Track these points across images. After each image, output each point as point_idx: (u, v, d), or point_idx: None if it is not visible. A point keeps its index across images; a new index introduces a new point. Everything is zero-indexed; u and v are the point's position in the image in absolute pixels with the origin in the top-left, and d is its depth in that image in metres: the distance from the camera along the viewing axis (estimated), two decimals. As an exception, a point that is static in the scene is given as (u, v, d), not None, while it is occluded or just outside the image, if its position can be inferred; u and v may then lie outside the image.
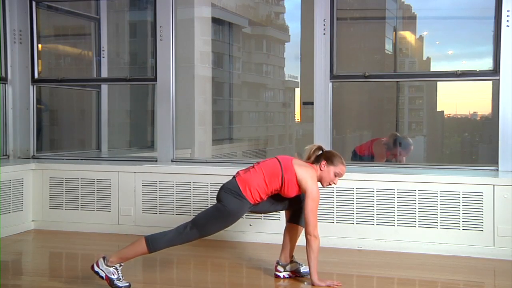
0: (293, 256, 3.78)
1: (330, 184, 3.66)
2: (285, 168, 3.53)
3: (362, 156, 6.17)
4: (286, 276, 3.76)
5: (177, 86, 5.57)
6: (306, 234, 3.53)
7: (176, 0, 5.46)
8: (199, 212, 3.65)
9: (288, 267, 3.77)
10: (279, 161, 3.58)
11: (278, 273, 3.76)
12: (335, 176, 3.63)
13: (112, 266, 3.48)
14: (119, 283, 3.47)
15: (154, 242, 3.50)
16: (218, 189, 3.59)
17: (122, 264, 3.52)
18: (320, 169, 3.61)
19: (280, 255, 3.77)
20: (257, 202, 3.54)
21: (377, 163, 5.86)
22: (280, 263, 3.77)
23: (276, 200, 3.67)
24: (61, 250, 4.79)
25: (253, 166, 3.61)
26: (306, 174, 3.54)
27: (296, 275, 3.75)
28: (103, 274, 3.48)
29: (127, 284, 3.51)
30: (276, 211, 3.84)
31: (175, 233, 3.51)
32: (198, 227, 3.48)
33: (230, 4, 9.45)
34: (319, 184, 3.62)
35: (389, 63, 8.03)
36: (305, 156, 3.67)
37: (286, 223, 3.80)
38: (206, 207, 3.86)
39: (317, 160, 3.64)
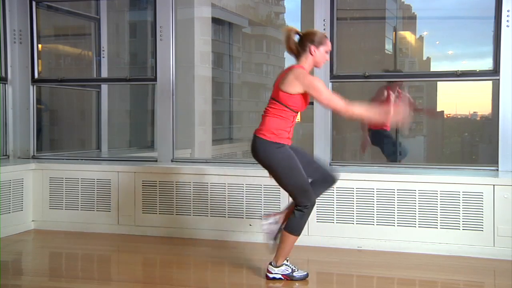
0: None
1: (325, 62, 3.64)
2: (277, 95, 3.55)
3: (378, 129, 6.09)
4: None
5: (177, 86, 5.57)
6: (343, 114, 3.49)
7: (176, 0, 5.47)
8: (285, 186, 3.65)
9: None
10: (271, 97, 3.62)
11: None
12: (327, 53, 3.61)
13: (282, 265, 3.68)
14: (296, 274, 3.69)
15: (296, 228, 3.60)
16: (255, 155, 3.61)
17: (287, 259, 3.71)
18: (311, 55, 3.56)
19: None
20: (288, 139, 3.59)
21: (377, 163, 5.86)
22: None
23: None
24: (61, 250, 4.79)
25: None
26: (292, 83, 3.49)
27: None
28: (280, 276, 3.69)
29: (305, 273, 3.71)
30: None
31: (300, 214, 3.58)
32: (300, 194, 3.55)
33: (230, 4, 9.45)
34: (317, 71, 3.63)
35: (389, 63, 8.03)
36: (286, 47, 3.63)
37: None
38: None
39: (302, 47, 3.58)
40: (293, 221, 3.60)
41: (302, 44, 3.58)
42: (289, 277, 3.67)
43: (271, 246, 3.71)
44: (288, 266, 3.69)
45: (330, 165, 4.84)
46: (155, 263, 4.30)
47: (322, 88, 3.48)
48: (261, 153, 3.56)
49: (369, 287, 3.77)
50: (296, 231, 3.61)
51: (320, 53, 3.57)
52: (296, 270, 3.70)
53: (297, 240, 3.73)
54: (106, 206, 5.20)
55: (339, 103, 3.47)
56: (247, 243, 4.76)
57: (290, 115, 3.57)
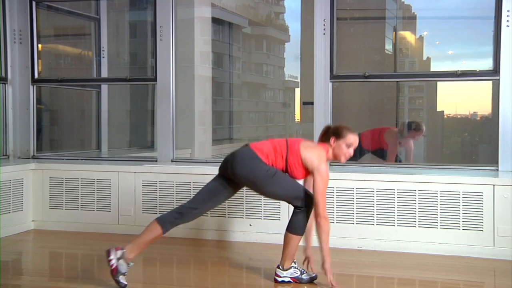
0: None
1: (347, 158, 3.62)
2: (290, 149, 3.56)
3: (365, 149, 6.13)
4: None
5: (177, 86, 5.57)
6: (316, 216, 3.49)
7: (176, 0, 5.47)
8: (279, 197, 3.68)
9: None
10: (286, 141, 3.62)
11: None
12: (348, 147, 3.60)
13: (290, 268, 3.65)
14: (305, 276, 3.67)
15: (299, 228, 3.60)
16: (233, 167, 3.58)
17: (295, 261, 3.67)
18: (332, 146, 3.60)
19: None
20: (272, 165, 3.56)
21: (377, 163, 5.86)
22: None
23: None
24: (61, 250, 4.80)
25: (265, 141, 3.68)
26: (311, 154, 3.54)
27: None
28: (288, 279, 3.65)
29: (314, 274, 3.69)
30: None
31: (303, 215, 3.57)
32: (293, 198, 3.56)
33: (230, 4, 9.45)
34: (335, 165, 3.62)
35: (389, 63, 8.03)
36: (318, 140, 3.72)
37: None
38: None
39: (327, 139, 3.63)
40: (294, 220, 3.59)
41: (327, 134, 3.66)
42: (298, 280, 3.65)
43: (122, 282, 3.51)
44: (297, 268, 3.67)
45: (330, 165, 4.84)
46: (155, 263, 4.30)
47: (324, 181, 3.50)
48: (245, 164, 3.55)
49: (369, 287, 3.77)
50: (299, 231, 3.59)
51: (339, 146, 3.59)
52: (304, 272, 3.68)
53: (287, 246, 3.66)
54: (106, 206, 5.19)
55: (323, 204, 3.47)
56: (247, 243, 4.76)
57: (282, 160, 3.58)
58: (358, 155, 6.01)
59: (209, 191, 3.69)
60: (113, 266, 3.48)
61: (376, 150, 6.15)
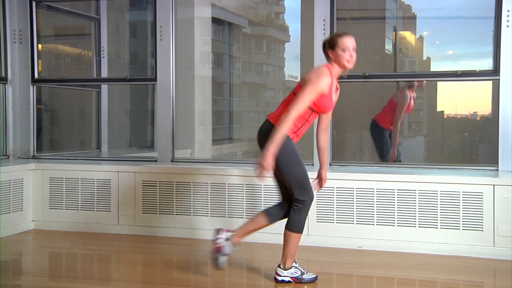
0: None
1: (351, 62, 3.51)
2: (296, 90, 3.53)
3: (386, 129, 6.18)
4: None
5: (177, 86, 5.57)
6: (284, 117, 3.40)
7: (176, 0, 5.47)
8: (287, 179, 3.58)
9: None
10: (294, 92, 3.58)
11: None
12: (344, 51, 3.51)
13: (291, 267, 3.64)
14: (306, 277, 3.66)
15: (297, 225, 3.60)
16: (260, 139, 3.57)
17: (296, 261, 3.68)
18: (333, 59, 3.55)
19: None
20: (295, 132, 3.54)
21: (377, 163, 5.86)
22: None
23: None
24: (61, 250, 4.80)
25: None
26: (308, 73, 3.52)
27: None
28: (288, 279, 3.65)
29: (314, 275, 3.69)
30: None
31: (300, 212, 3.57)
32: (297, 187, 3.53)
33: (230, 4, 9.46)
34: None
35: (389, 63, 8.04)
36: None
37: None
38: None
39: (328, 56, 3.59)
40: (292, 218, 3.58)
41: (325, 52, 3.61)
42: (298, 280, 3.64)
43: (221, 261, 3.66)
44: (297, 268, 3.66)
45: (330, 165, 4.84)
46: (155, 263, 4.30)
47: (311, 92, 3.43)
48: (267, 137, 3.45)
49: (369, 287, 3.77)
50: (297, 228, 3.58)
51: (337, 54, 3.52)
52: (305, 272, 3.67)
53: (287, 245, 3.65)
54: (106, 206, 5.19)
55: (295, 111, 3.40)
56: (247, 243, 4.75)
57: (306, 114, 3.53)
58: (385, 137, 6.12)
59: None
60: (219, 245, 3.62)
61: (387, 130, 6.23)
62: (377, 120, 6.28)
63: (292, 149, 3.52)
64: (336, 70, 3.57)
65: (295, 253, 3.65)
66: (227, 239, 3.64)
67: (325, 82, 3.47)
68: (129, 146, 7.68)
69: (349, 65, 3.54)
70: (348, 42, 3.52)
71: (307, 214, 3.60)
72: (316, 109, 3.54)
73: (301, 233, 3.62)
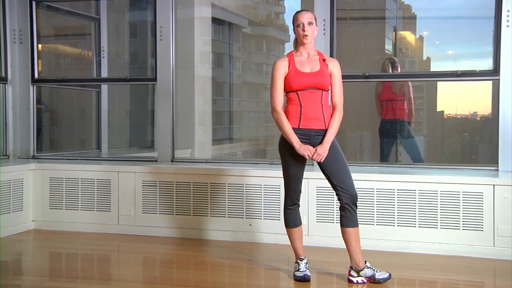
0: (366, 261, 3.69)
1: (305, 37, 3.61)
2: None
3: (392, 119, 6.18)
4: (360, 281, 3.67)
5: (177, 86, 5.57)
6: (272, 112, 3.78)
7: (176, 0, 5.47)
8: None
9: (362, 273, 3.67)
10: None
11: (351, 278, 3.69)
12: (298, 27, 3.62)
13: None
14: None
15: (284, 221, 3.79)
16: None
17: (301, 257, 3.75)
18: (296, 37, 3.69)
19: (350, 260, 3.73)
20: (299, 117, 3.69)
21: (377, 163, 5.85)
22: (353, 268, 3.69)
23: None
24: (61, 250, 4.80)
25: None
26: None
27: (370, 281, 3.65)
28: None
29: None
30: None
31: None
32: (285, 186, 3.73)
33: (230, 4, 9.45)
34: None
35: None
36: None
37: None
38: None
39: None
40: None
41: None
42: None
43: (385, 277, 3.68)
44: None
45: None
46: (155, 263, 4.30)
47: (271, 80, 3.77)
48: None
49: (369, 287, 3.76)
50: (285, 223, 3.78)
51: (295, 31, 3.66)
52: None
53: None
54: (106, 206, 5.19)
55: (272, 101, 3.81)
56: (247, 243, 4.76)
57: (293, 96, 3.67)
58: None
59: None
60: (363, 281, 3.66)
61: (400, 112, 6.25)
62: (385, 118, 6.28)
63: (283, 153, 3.70)
64: (301, 48, 3.68)
65: (294, 248, 3.77)
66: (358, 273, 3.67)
67: (276, 66, 3.70)
68: (129, 146, 7.68)
69: (305, 40, 3.62)
70: (300, 17, 3.62)
71: (285, 212, 3.78)
72: (288, 88, 3.69)
73: (289, 227, 3.77)
